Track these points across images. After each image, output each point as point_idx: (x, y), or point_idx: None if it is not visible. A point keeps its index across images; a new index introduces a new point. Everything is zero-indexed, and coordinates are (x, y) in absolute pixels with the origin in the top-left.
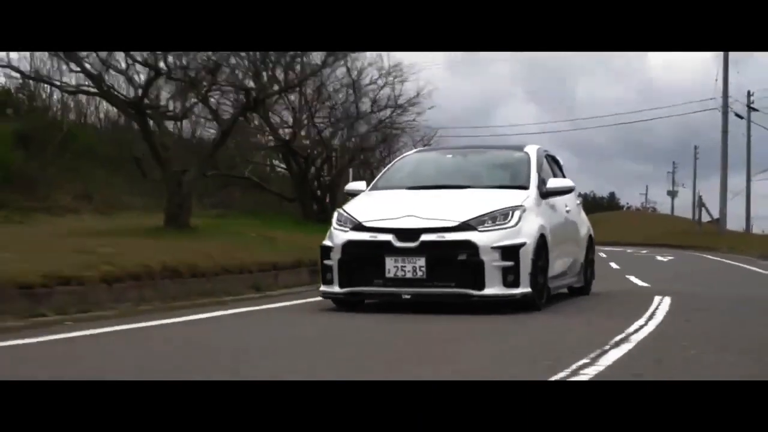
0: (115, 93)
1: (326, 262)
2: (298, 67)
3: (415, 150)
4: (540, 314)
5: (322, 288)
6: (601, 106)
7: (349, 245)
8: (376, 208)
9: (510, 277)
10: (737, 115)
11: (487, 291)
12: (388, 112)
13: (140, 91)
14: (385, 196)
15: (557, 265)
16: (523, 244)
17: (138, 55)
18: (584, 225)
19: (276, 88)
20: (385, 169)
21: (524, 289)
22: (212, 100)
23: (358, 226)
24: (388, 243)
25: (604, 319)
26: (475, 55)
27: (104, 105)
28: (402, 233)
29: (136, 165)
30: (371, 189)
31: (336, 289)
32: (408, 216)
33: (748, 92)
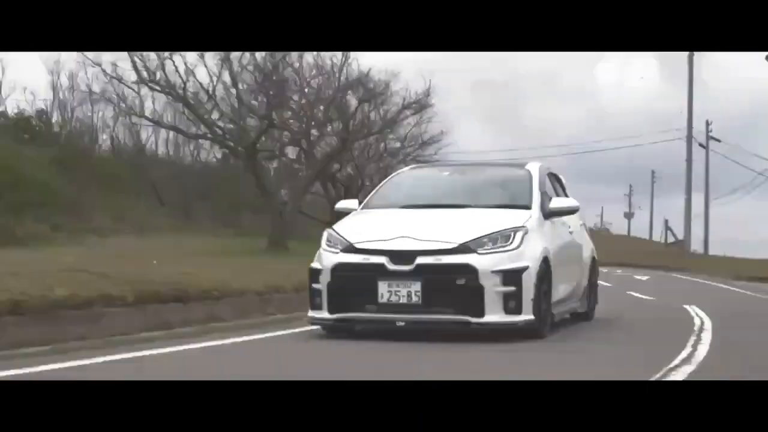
0: (228, 140)
1: (315, 285)
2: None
3: (410, 167)
4: (574, 340)
5: (311, 313)
6: (552, 127)
7: (339, 268)
8: (368, 228)
9: (512, 303)
10: (701, 145)
11: (488, 318)
12: (413, 147)
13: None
14: (378, 216)
15: (561, 289)
16: (525, 268)
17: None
18: (588, 246)
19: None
20: (379, 186)
21: (527, 316)
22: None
23: (349, 248)
24: (381, 266)
25: (671, 320)
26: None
27: (117, 132)
28: (396, 255)
29: (154, 191)
30: (363, 207)
31: (325, 314)
32: (402, 237)
33: (707, 122)
